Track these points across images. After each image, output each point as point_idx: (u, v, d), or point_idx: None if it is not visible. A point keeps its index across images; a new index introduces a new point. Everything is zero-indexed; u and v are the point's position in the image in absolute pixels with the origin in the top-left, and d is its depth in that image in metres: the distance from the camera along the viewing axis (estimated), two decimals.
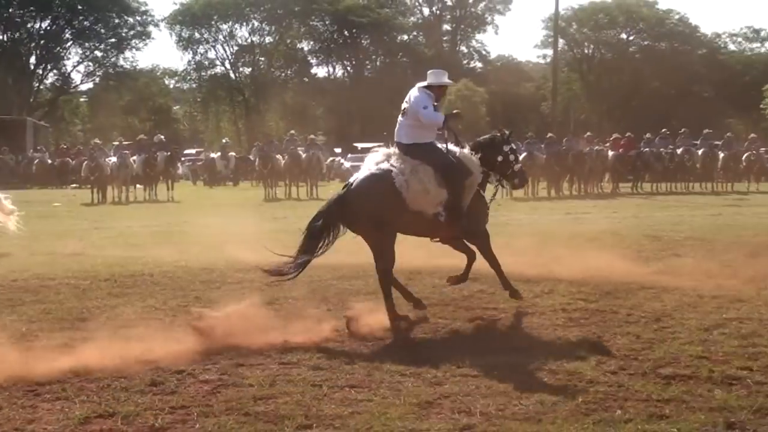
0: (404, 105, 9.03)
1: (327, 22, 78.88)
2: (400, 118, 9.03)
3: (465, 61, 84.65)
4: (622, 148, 35.14)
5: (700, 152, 35.52)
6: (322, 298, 9.51)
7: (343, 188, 8.87)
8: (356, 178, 8.89)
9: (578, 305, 9.05)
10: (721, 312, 8.57)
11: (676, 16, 74.67)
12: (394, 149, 8.99)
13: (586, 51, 76.56)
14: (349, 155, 49.52)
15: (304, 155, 33.46)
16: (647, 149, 35.86)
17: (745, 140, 39.01)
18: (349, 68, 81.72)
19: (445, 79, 9.28)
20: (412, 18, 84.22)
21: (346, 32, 78.41)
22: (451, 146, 9.04)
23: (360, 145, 50.14)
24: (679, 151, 35.34)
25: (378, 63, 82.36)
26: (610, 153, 34.45)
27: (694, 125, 42.83)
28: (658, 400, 5.75)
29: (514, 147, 9.82)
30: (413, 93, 8.97)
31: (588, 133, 38.40)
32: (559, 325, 8.13)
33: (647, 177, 36.04)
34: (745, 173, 35.77)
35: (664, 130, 38.72)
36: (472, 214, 8.90)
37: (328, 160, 43.93)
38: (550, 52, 69.46)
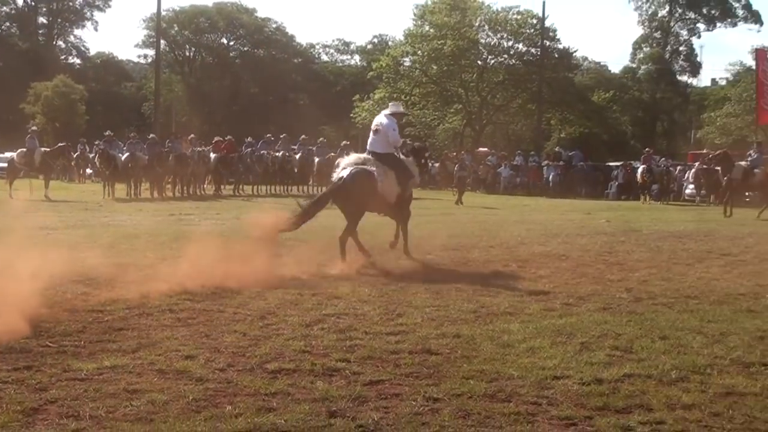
0: (376, 124, 13.30)
1: None
2: (372, 135, 13.27)
3: (62, 57, 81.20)
4: (223, 151, 35.68)
5: (297, 156, 37.22)
6: None
7: (339, 179, 12.78)
8: (347, 173, 12.71)
9: (185, 305, 9.06)
10: (321, 308, 9.04)
11: (274, 25, 77.19)
12: (367, 155, 13.10)
13: (187, 53, 76.56)
14: None
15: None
16: (248, 151, 36.85)
17: (338, 147, 41.35)
18: None
19: (402, 109, 14.84)
20: (5, 8, 79.06)
21: None
22: (403, 156, 13.43)
23: None
24: (278, 154, 36.70)
25: None
26: (212, 155, 34.83)
27: (292, 131, 44.65)
28: (266, 393, 5.95)
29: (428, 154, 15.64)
30: (383, 119, 13.26)
31: (191, 135, 38.52)
32: (167, 326, 8.10)
33: (249, 179, 37.04)
34: None
35: (268, 135, 40.01)
36: (406, 200, 13.56)
37: None
38: (151, 52, 68.86)
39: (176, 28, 74.04)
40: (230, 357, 6.94)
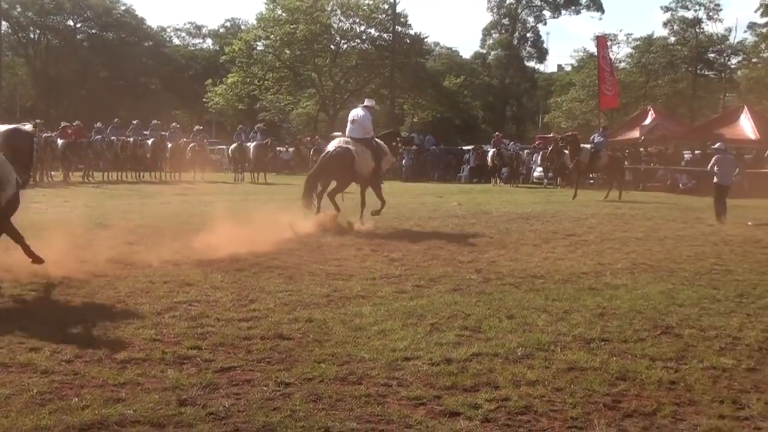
0: (353, 116, 16.78)
1: None
2: (350, 124, 16.75)
3: None
4: (71, 137, 34.49)
5: (150, 142, 36.40)
6: None
7: (326, 154, 16.37)
8: (332, 149, 16.29)
9: (31, 296, 8.79)
10: (172, 296, 8.91)
11: (123, 7, 74.91)
12: (347, 138, 16.47)
13: (32, 36, 73.46)
14: None
15: None
16: (98, 138, 35.80)
17: (191, 132, 40.73)
18: None
19: (374, 104, 17.86)
20: None
21: None
22: (377, 140, 16.90)
23: None
24: (130, 140, 35.79)
25: None
26: (60, 141, 33.62)
27: (144, 116, 43.65)
28: (114, 384, 5.84)
29: (399, 138, 19.79)
30: (359, 111, 16.80)
31: (37, 120, 37.07)
32: (11, 317, 7.80)
33: (100, 166, 36.03)
34: (191, 164, 37.34)
35: (116, 120, 38.99)
36: (379, 174, 17.32)
37: None
38: None
39: (19, 9, 70.80)
40: (77, 348, 6.73)
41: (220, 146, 48.86)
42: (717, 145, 21.95)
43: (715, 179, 20.93)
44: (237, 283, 9.79)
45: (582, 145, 30.86)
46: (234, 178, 37.60)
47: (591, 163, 30.25)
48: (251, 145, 38.67)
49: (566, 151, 32.75)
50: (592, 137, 32.41)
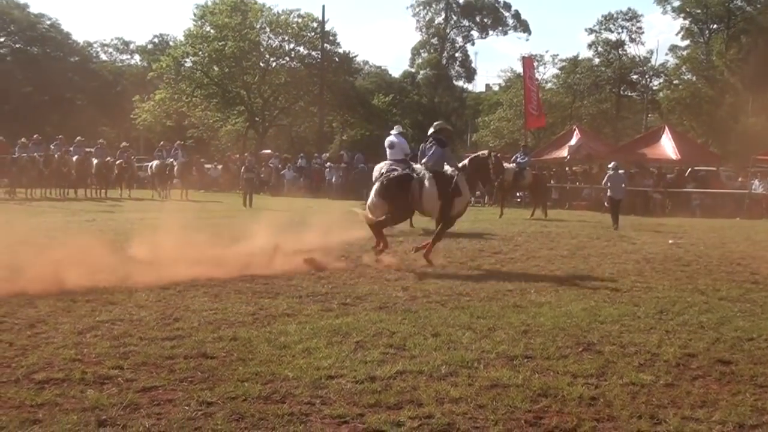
0: (390, 142, 18.89)
1: None
2: (389, 150, 18.80)
3: None
4: None
5: (74, 159, 35.82)
6: None
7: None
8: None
9: None
10: (95, 315, 8.76)
11: (48, 22, 73.73)
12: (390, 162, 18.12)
13: None
14: None
15: None
16: (24, 155, 35.08)
17: (118, 148, 40.20)
18: None
19: (401, 129, 20.32)
20: None
21: None
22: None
23: None
24: (55, 156, 35.18)
25: None
26: None
27: (70, 132, 42.89)
28: (32, 405, 5.72)
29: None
30: (394, 138, 18.92)
31: None
32: None
33: (23, 182, 35.33)
34: (117, 181, 36.85)
35: (36, 135, 38.23)
36: None
37: None
38: None
39: None
40: None
41: (147, 163, 48.33)
42: (611, 165, 26.65)
43: (609, 193, 25.83)
44: (162, 302, 9.66)
45: (506, 165, 31.25)
46: (159, 195, 37.10)
47: (515, 181, 30.66)
48: (175, 162, 38.23)
49: (508, 166, 33.11)
50: (514, 157, 32.88)
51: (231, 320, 8.73)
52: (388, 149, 19.02)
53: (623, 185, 26.22)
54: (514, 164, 31.21)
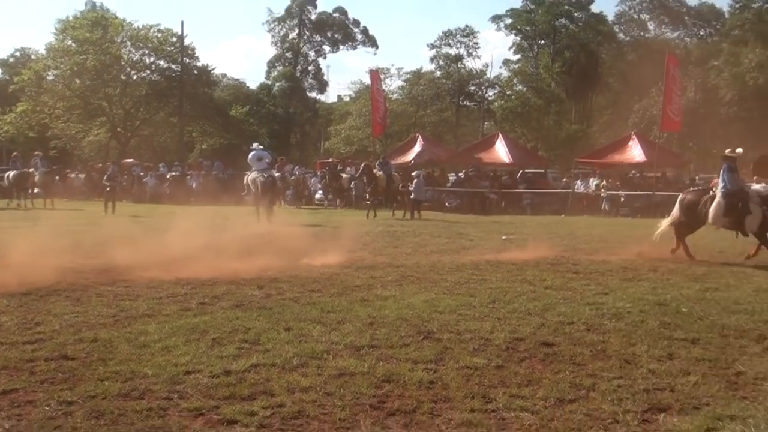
0: (260, 155, 23.43)
1: None
2: (257, 162, 23.28)
3: None
4: None
5: None
6: None
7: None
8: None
9: None
10: None
11: None
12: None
13: None
14: None
15: None
16: None
17: None
18: None
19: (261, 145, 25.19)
20: None
21: None
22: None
23: None
24: None
25: None
26: None
27: None
28: None
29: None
30: (262, 152, 23.37)
31: None
32: None
33: None
34: None
35: None
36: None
37: None
38: None
39: None
40: None
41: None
42: (415, 173, 32.10)
43: (413, 195, 30.22)
44: (23, 307, 9.29)
45: (376, 172, 31.67)
46: (18, 205, 35.49)
47: (388, 186, 31.43)
48: (36, 172, 36.67)
49: (344, 176, 33.61)
50: (376, 163, 33.39)
51: (92, 322, 8.49)
52: (257, 161, 23.41)
53: (424, 189, 31.31)
54: (379, 171, 31.76)
